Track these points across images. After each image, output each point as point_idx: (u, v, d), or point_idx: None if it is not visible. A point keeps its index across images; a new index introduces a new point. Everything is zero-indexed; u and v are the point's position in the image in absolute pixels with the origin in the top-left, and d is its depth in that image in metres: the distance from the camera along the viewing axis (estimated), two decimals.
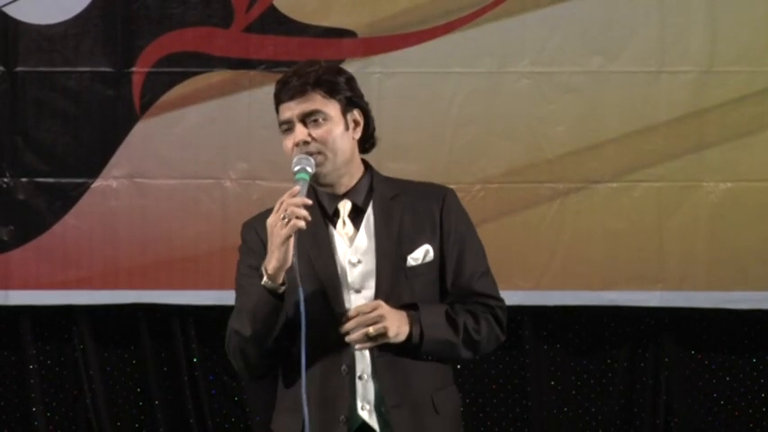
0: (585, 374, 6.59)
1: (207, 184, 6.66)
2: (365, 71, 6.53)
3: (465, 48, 6.55)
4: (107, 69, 6.63)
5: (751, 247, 6.61)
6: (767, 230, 6.63)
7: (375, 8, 6.63)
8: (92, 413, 6.62)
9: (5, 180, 6.60)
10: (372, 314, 3.87)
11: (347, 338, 3.89)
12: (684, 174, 6.48)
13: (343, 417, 3.93)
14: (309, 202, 3.88)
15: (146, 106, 6.65)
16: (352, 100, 4.05)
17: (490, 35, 6.52)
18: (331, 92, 4.00)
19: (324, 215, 4.03)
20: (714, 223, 6.53)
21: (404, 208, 4.11)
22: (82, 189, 6.62)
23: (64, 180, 6.67)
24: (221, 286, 6.42)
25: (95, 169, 6.62)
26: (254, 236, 4.10)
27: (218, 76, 6.64)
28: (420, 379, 4.05)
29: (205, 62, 6.63)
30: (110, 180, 6.63)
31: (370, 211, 4.09)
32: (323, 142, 3.96)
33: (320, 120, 4.01)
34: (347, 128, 4.03)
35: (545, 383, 6.62)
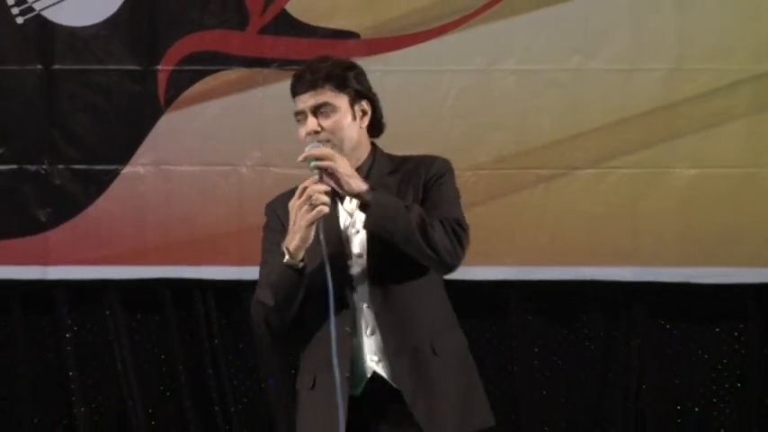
0: (566, 342, 6.78)
1: (224, 170, 6.86)
2: (367, 69, 6.13)
3: (458, 48, 6.72)
4: (135, 67, 6.83)
5: (716, 227, 6.74)
6: (731, 212, 6.73)
7: (376, 12, 6.81)
8: (122, 377, 6.82)
9: (44, 167, 6.77)
10: (326, 151, 4.12)
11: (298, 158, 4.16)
12: (656, 161, 6.67)
13: (347, 374, 4.10)
14: (329, 188, 4.03)
15: (169, 101, 6.84)
16: (360, 92, 4.22)
17: (481, 36, 6.69)
18: (340, 86, 4.17)
19: (334, 193, 4.17)
20: (683, 206, 6.70)
21: (400, 180, 4.27)
22: (112, 175, 6.83)
23: (96, 167, 6.86)
24: (238, 262, 6.73)
25: (124, 157, 6.83)
26: (274, 216, 4.30)
27: (234, 74, 6.82)
28: (418, 327, 4.20)
29: (223, 61, 6.79)
30: (137, 167, 6.82)
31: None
32: (331, 132, 4.14)
33: (329, 111, 4.19)
34: (354, 118, 4.20)
35: (529, 350, 6.73)
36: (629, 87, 6.62)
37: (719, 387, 6.76)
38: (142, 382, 6.86)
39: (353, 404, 4.18)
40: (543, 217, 6.74)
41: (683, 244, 6.60)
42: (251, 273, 6.12)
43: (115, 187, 6.81)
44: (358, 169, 4.30)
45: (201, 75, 6.83)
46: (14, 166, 6.80)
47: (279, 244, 4.17)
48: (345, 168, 4.11)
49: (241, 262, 6.74)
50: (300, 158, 4.15)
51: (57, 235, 6.81)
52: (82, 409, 6.81)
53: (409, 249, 4.15)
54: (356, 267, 4.27)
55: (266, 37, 6.78)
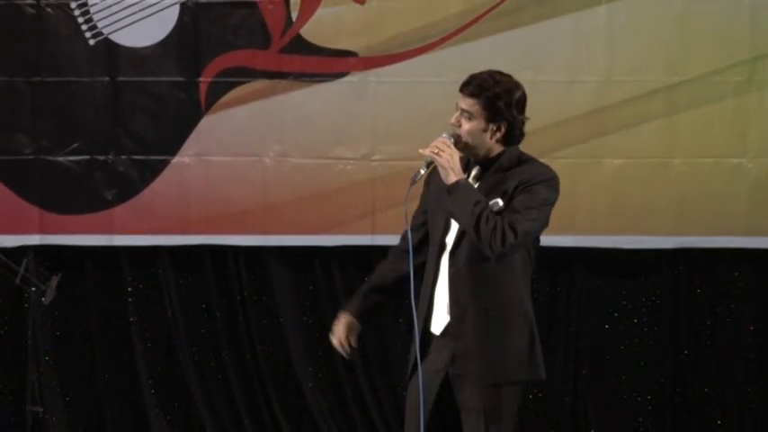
0: None
1: (252, 160, 7.52)
2: (364, 81, 7.46)
3: (435, 64, 7.39)
4: (181, 79, 7.52)
5: (637, 204, 7.42)
6: (648, 193, 7.37)
7: (370, 36, 7.44)
8: (171, 322, 7.59)
9: (110, 158, 7.49)
10: (440, 143, 4.86)
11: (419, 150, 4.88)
12: (590, 153, 7.41)
13: (423, 315, 4.93)
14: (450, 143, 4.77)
15: (209, 106, 7.55)
16: (500, 115, 4.87)
17: (453, 55, 7.36)
18: (485, 105, 4.89)
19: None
20: (611, 188, 7.41)
21: (508, 177, 4.88)
22: (164, 164, 7.54)
23: (151, 157, 7.56)
24: (262, 232, 7.52)
25: (173, 150, 7.54)
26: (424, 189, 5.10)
27: (259, 84, 7.51)
28: (480, 293, 4.88)
29: (250, 74, 7.52)
30: (184, 157, 7.52)
31: (487, 174, 4.96)
32: (462, 132, 4.90)
33: (468, 117, 4.93)
34: (486, 130, 4.88)
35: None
36: (570, 95, 7.38)
37: (640, 330, 7.55)
38: (186, 325, 7.62)
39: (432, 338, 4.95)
40: None
41: (611, 218, 7.37)
42: (273, 240, 7.26)
43: (166, 173, 7.53)
44: (489, 160, 4.96)
45: (234, 85, 7.55)
46: (87, 157, 7.51)
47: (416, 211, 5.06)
48: (446, 162, 4.81)
49: (265, 232, 7.51)
50: (426, 151, 4.88)
51: (120, 211, 7.54)
52: (139, 347, 7.60)
53: (467, 232, 4.82)
54: (450, 238, 4.95)
55: (284, 55, 7.50)
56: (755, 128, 7.41)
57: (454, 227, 4.97)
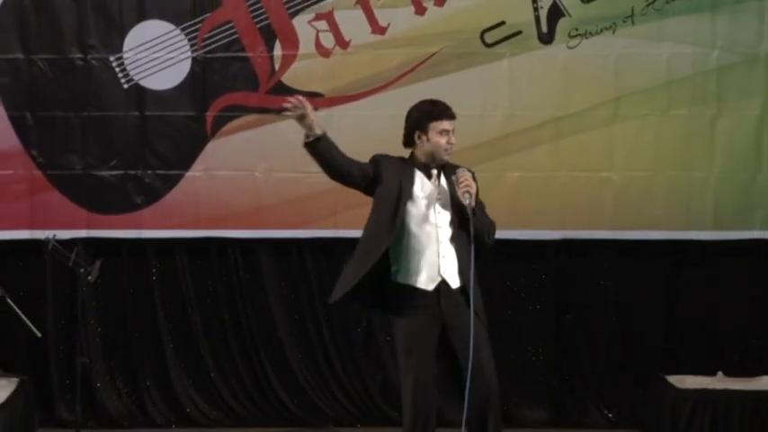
0: None
1: (246, 174, 8.06)
2: (329, 115, 7.91)
3: (384, 102, 7.95)
4: (193, 113, 8.07)
5: (532, 207, 7.96)
6: (541, 198, 7.90)
7: (335, 81, 8.02)
8: (186, 298, 8.17)
9: (139, 172, 8.04)
10: (470, 181, 5.56)
11: (463, 192, 5.48)
12: (496, 169, 7.89)
13: (432, 275, 5.63)
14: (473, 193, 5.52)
15: (213, 133, 8.07)
16: None
17: (397, 95, 7.90)
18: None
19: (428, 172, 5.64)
20: (511, 196, 7.89)
21: (450, 174, 5.64)
22: (180, 177, 8.07)
23: (171, 172, 8.08)
24: (255, 228, 8.05)
25: (187, 166, 8.06)
26: (375, 161, 5.77)
27: (251, 118, 8.05)
28: (463, 260, 5.66)
29: (245, 110, 8.05)
30: (195, 172, 8.05)
31: (442, 174, 5.70)
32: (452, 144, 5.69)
33: (453, 133, 5.73)
34: None
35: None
36: (481, 125, 7.98)
37: (533, 301, 8.27)
38: (197, 298, 8.20)
39: (428, 294, 5.62)
40: None
41: (511, 217, 7.79)
42: (262, 234, 8.27)
43: (181, 184, 8.04)
44: (441, 165, 5.63)
45: (232, 118, 8.05)
46: (122, 172, 8.06)
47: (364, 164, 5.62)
48: (474, 191, 5.58)
49: (256, 227, 8.10)
50: (461, 179, 5.56)
51: (147, 212, 8.07)
52: (161, 314, 8.16)
53: (480, 235, 5.57)
54: (441, 219, 5.69)
55: (270, 96, 7.99)
56: (619, 150, 8.06)
57: (441, 216, 5.65)
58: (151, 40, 8.00)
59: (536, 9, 8.05)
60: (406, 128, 5.88)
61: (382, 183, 5.76)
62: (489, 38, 8.04)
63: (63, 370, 8.18)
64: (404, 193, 5.68)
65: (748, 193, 8.24)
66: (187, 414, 8.22)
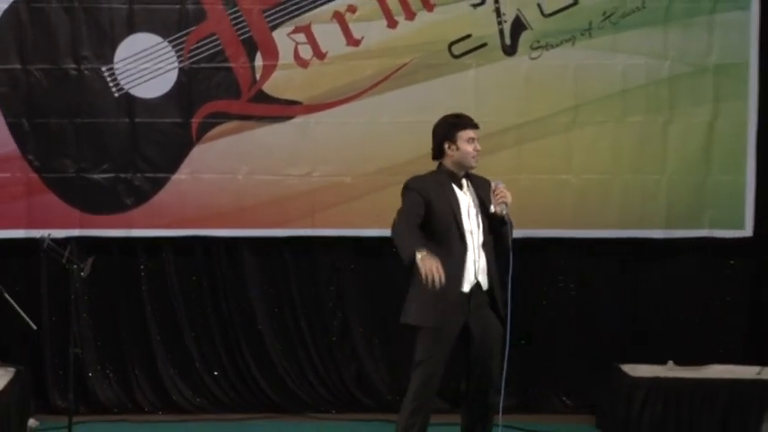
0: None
1: (229, 177, 8.11)
2: (307, 121, 8.05)
3: (356, 110, 8.06)
4: (179, 120, 8.09)
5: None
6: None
7: (312, 90, 8.10)
8: (172, 293, 8.19)
9: (129, 175, 8.04)
10: (507, 192, 5.77)
11: (500, 202, 5.68)
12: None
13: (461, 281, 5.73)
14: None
15: (198, 138, 8.10)
16: None
17: (368, 104, 8.07)
18: None
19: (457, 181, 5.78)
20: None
21: (473, 182, 5.85)
22: (167, 179, 8.09)
23: (158, 175, 8.10)
24: (237, 227, 8.10)
25: (174, 169, 8.08)
26: (414, 190, 5.83)
27: (233, 124, 8.10)
28: (491, 265, 5.90)
29: (227, 117, 8.09)
30: (181, 174, 8.07)
31: (470, 182, 5.88)
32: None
33: (477, 142, 5.93)
34: None
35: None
36: None
37: None
38: (182, 293, 8.26)
39: (464, 295, 5.78)
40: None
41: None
42: (244, 233, 8.15)
43: (168, 186, 8.06)
44: (467, 174, 5.82)
45: (215, 125, 8.11)
46: (113, 175, 8.07)
47: (416, 202, 5.65)
48: (510, 202, 5.79)
49: (238, 226, 8.15)
50: (498, 190, 5.78)
51: (136, 212, 8.09)
52: (149, 308, 8.18)
53: (506, 241, 5.77)
54: (475, 225, 5.86)
55: (251, 104, 8.08)
56: (577, 154, 8.15)
57: (474, 222, 5.84)
58: (140, 52, 8.08)
59: (500, 23, 8.17)
60: (434, 141, 6.05)
61: (432, 206, 5.91)
62: (456, 49, 8.16)
63: (57, 360, 8.23)
64: (454, 208, 5.90)
65: (698, 195, 8.38)
66: (173, 401, 8.29)
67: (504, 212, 5.82)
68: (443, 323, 5.79)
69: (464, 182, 5.95)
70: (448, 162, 5.98)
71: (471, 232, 5.89)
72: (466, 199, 5.96)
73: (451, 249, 5.79)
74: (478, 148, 5.93)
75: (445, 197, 5.83)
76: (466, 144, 5.92)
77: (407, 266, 5.54)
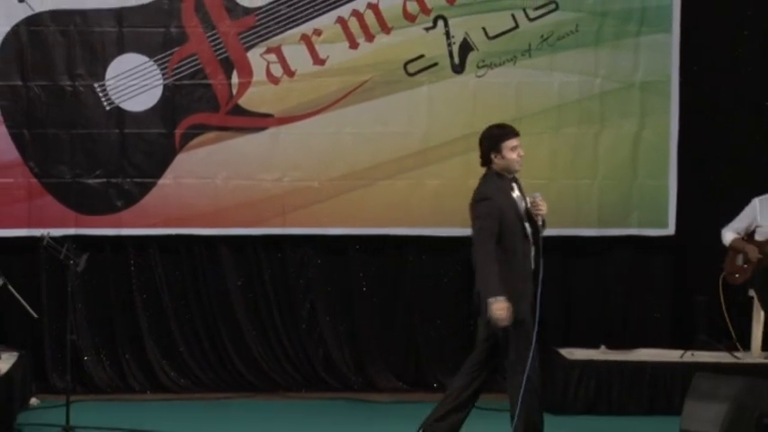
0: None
1: (209, 181, 8.53)
2: (278, 132, 8.48)
3: (324, 121, 8.54)
4: (164, 131, 8.51)
5: (448, 208, 8.36)
6: (453, 202, 8.04)
7: (283, 104, 8.54)
8: (159, 287, 8.57)
9: (119, 180, 8.45)
10: (544, 203, 5.93)
11: (538, 213, 5.83)
12: (414, 177, 8.48)
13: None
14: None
15: (181, 147, 8.53)
16: None
17: (335, 116, 8.54)
18: None
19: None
20: (431, 199, 8.47)
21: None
22: (153, 184, 8.52)
23: (145, 180, 8.51)
24: (214, 226, 8.49)
25: (159, 175, 8.49)
26: (491, 200, 6.03)
27: (213, 135, 8.56)
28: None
29: (207, 128, 8.54)
30: (166, 180, 8.50)
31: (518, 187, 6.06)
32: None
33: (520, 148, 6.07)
34: None
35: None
36: (405, 141, 8.59)
37: (451, 286, 8.69)
38: (168, 287, 8.66)
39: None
40: (367, 203, 8.39)
41: (431, 216, 8.51)
42: (222, 231, 8.48)
43: (154, 190, 8.51)
44: (515, 179, 5.95)
45: (196, 135, 8.55)
46: (105, 180, 8.46)
47: (493, 215, 5.82)
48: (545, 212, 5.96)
49: (217, 226, 8.57)
50: (538, 201, 5.93)
51: (126, 214, 8.53)
52: (138, 299, 8.56)
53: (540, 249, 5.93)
54: (530, 225, 6.10)
55: (229, 116, 8.54)
56: None
57: (527, 221, 6.07)
58: (129, 70, 8.52)
59: (449, 44, 8.66)
60: (481, 151, 6.30)
61: (503, 213, 6.20)
62: (411, 68, 8.68)
63: (55, 345, 8.57)
64: (518, 211, 6.21)
65: (626, 198, 8.89)
66: (160, 382, 8.72)
67: (541, 222, 6.11)
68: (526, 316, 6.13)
69: (515, 185, 6.23)
70: (495, 167, 6.22)
71: (529, 231, 6.19)
72: (521, 201, 6.26)
73: (517, 249, 6.08)
74: (522, 153, 6.15)
75: (509, 202, 6.10)
76: (510, 152, 6.15)
77: (479, 295, 5.92)
